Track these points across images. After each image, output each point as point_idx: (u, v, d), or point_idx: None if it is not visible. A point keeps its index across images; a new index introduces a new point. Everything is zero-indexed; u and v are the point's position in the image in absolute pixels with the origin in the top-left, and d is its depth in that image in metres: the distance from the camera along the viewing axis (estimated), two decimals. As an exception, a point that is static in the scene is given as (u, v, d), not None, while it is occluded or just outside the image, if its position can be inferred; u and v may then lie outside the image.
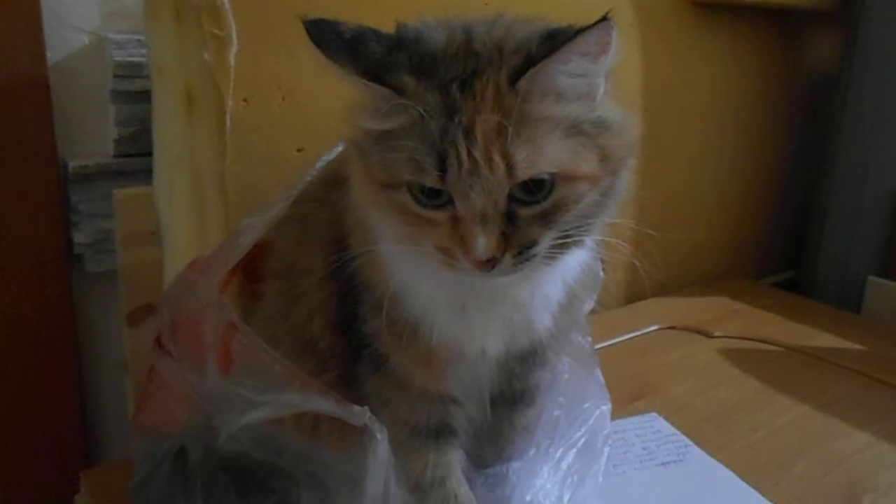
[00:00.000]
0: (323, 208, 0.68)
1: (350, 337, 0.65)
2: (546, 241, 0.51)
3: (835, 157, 1.51)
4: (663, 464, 0.87)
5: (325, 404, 0.57)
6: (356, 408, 0.57)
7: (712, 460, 0.88)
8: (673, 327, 1.29)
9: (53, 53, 0.98)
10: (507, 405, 0.73)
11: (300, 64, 0.84)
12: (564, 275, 0.61)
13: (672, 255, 1.47)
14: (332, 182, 0.69)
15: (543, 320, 0.61)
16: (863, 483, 0.85)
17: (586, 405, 0.79)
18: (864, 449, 0.93)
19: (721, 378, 1.12)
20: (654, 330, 1.28)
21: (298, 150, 0.87)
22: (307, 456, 0.66)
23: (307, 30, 0.49)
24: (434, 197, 0.50)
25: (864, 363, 1.16)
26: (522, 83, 0.48)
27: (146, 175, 1.01)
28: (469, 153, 0.47)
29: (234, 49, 0.79)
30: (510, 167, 0.47)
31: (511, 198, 0.49)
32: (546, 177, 0.49)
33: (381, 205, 0.53)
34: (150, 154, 0.98)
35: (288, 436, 0.66)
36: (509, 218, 0.50)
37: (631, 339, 1.24)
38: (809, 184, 1.61)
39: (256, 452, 0.64)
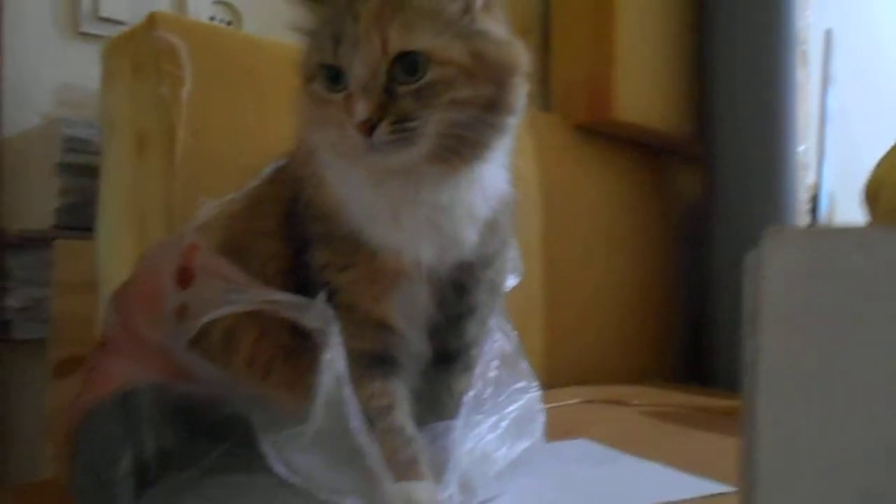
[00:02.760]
0: (274, 182, 0.77)
1: (301, 283, 0.71)
2: (423, 117, 0.61)
3: (713, 270, 1.69)
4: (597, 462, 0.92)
5: (285, 298, 0.62)
6: (308, 300, 0.63)
7: (642, 460, 0.93)
8: (593, 401, 1.35)
9: (7, 130, 1.07)
10: (445, 367, 0.77)
11: (245, 104, 0.96)
12: (484, 190, 0.70)
13: (585, 354, 1.57)
14: (281, 169, 0.79)
15: (470, 234, 0.69)
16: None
17: (517, 385, 0.84)
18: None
19: (643, 427, 1.20)
20: (575, 402, 1.33)
21: (246, 186, 0.96)
22: (260, 395, 0.68)
23: None
24: (336, 82, 0.63)
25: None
26: None
27: (85, 247, 1.05)
28: (354, 32, 0.61)
29: (187, 87, 0.91)
30: (385, 42, 0.61)
31: (392, 78, 0.61)
32: (419, 57, 0.61)
33: (308, 104, 0.66)
34: (89, 229, 1.04)
35: (241, 379, 0.69)
36: (389, 93, 0.61)
37: (553, 407, 1.28)
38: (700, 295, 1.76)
39: (209, 385, 0.66)
